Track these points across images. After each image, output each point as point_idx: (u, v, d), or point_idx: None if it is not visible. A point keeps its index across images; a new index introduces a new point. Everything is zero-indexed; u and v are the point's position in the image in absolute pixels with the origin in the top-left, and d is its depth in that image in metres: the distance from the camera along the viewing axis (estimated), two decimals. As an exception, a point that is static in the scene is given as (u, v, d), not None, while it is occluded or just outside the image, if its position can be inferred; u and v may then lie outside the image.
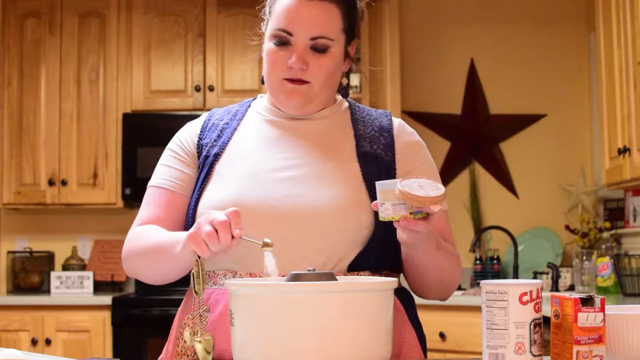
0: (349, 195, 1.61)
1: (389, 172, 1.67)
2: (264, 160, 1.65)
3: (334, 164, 1.65)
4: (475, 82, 4.91)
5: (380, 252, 1.64)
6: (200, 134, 1.73)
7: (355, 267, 1.61)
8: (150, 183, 1.75)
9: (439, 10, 4.95)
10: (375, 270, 1.64)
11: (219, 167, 1.67)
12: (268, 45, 1.66)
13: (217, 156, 1.68)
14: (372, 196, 1.61)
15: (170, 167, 1.73)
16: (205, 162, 1.68)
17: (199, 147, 1.72)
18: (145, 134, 4.50)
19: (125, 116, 4.54)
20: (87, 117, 4.59)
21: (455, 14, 4.95)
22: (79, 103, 4.59)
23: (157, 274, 1.66)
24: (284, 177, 1.62)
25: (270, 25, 1.67)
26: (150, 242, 1.63)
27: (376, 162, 1.67)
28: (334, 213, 1.59)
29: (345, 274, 1.60)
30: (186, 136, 1.75)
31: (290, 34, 1.62)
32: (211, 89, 4.58)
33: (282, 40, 1.63)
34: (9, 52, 4.61)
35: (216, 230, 1.39)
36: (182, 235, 1.52)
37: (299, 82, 1.64)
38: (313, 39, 1.62)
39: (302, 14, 1.61)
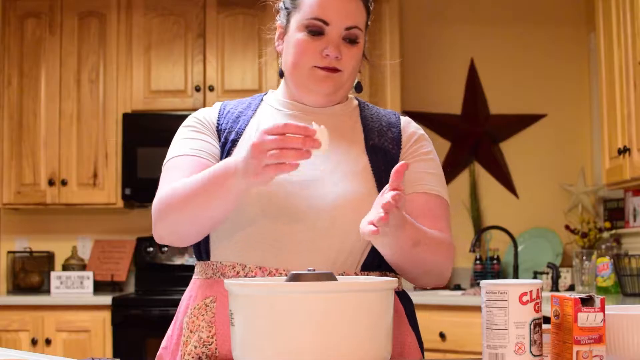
0: (360, 189, 1.62)
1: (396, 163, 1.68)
2: None
3: (346, 157, 1.66)
4: (475, 82, 4.91)
5: None
6: (218, 119, 1.72)
7: (367, 265, 1.62)
8: (169, 157, 1.66)
9: (439, 10, 4.95)
10: (385, 270, 1.65)
11: (235, 152, 1.65)
12: (297, 35, 1.66)
13: (234, 142, 1.67)
14: (380, 189, 1.61)
15: (196, 139, 1.67)
16: (224, 150, 1.67)
17: (218, 131, 1.70)
18: (145, 134, 4.50)
19: (125, 116, 4.54)
20: (87, 117, 4.59)
21: (455, 14, 4.95)
22: (79, 103, 4.59)
23: (200, 222, 1.55)
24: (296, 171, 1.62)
25: (300, 16, 1.66)
26: (191, 187, 1.52)
27: (384, 154, 1.68)
28: (346, 207, 1.59)
29: (356, 273, 1.60)
30: (205, 116, 1.72)
31: (326, 23, 1.64)
32: (211, 89, 4.58)
33: (317, 30, 1.64)
34: (9, 52, 4.61)
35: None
36: (229, 166, 1.46)
37: (332, 70, 1.65)
38: (348, 28, 1.65)
39: (338, 4, 1.64)
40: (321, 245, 1.58)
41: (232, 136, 1.68)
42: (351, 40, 1.66)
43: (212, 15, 4.62)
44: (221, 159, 1.65)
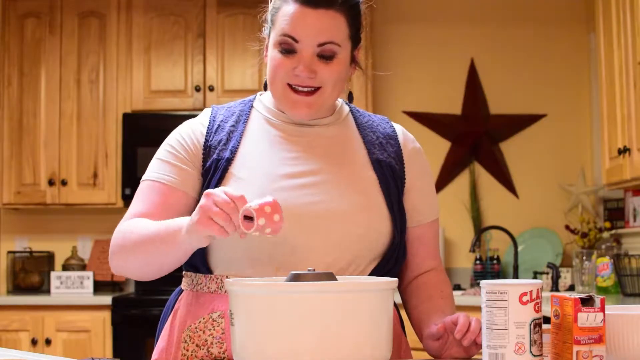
0: (369, 202, 1.62)
1: (402, 181, 1.69)
2: (279, 165, 1.62)
3: (350, 170, 1.65)
4: (475, 82, 4.91)
5: (395, 264, 1.66)
6: (207, 136, 1.67)
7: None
8: (144, 177, 1.69)
9: (440, 10, 4.95)
10: None
11: (233, 170, 1.62)
12: (273, 52, 1.62)
13: (229, 160, 1.63)
14: (389, 203, 1.63)
15: (167, 162, 1.67)
16: (218, 165, 1.63)
17: (206, 148, 1.65)
18: (145, 134, 4.50)
19: (125, 116, 4.54)
20: (87, 117, 4.59)
21: (455, 14, 4.94)
22: (79, 103, 4.59)
23: (150, 267, 1.60)
24: (302, 184, 1.60)
25: (274, 33, 1.62)
26: (144, 234, 1.56)
27: (390, 170, 1.68)
28: (356, 221, 1.59)
29: None
30: (190, 134, 1.68)
31: (295, 40, 1.58)
32: (211, 89, 4.58)
33: (288, 48, 1.59)
34: (9, 52, 4.61)
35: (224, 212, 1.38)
36: (182, 221, 1.48)
37: (307, 91, 1.60)
38: (320, 45, 1.58)
39: (308, 21, 1.58)
40: (332, 257, 1.57)
41: (226, 154, 1.63)
42: (326, 57, 1.59)
43: (212, 15, 4.62)
44: (215, 175, 1.62)
